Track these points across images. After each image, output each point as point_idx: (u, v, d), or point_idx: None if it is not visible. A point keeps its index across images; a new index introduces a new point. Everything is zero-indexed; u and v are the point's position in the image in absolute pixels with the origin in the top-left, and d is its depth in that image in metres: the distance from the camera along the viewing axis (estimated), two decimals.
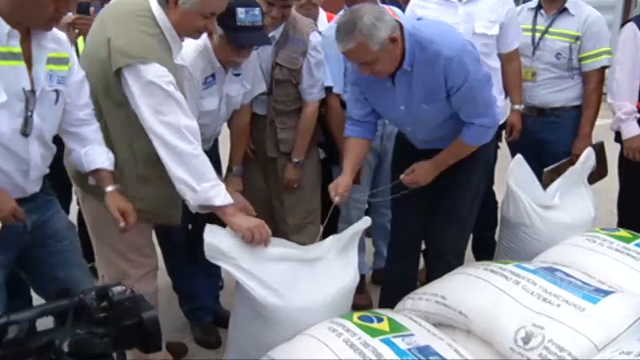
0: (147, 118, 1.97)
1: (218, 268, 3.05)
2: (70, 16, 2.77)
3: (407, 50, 2.18)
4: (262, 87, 2.68)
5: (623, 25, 3.00)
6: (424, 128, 2.42)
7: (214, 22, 2.14)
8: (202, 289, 2.91)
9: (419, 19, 2.59)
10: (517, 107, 3.12)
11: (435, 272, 2.61)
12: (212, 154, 2.66)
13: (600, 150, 3.09)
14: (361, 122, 2.49)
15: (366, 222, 2.29)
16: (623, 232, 2.54)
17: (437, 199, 2.54)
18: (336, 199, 2.35)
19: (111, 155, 2.07)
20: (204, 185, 2.00)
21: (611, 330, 1.82)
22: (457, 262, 2.65)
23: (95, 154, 2.03)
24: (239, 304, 2.22)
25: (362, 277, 3.07)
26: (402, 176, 2.44)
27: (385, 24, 2.08)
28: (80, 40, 2.83)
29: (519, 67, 3.07)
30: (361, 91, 2.44)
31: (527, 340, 1.85)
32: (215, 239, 1.99)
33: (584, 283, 2.06)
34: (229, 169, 2.79)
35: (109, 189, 2.04)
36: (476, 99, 2.24)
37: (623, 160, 3.03)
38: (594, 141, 3.13)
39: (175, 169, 1.99)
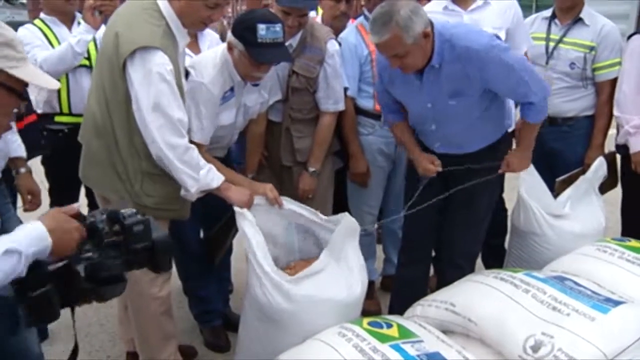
0: (142, 108, 2.03)
1: (228, 271, 3.14)
2: (92, 1, 2.82)
3: (435, 47, 2.21)
4: (278, 95, 2.69)
5: (630, 37, 2.97)
6: (449, 126, 2.44)
7: (220, 13, 2.18)
8: (212, 292, 2.91)
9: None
10: None
11: (447, 276, 2.61)
12: (226, 160, 2.68)
13: (611, 160, 3.08)
14: (398, 112, 2.59)
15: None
16: (634, 242, 2.53)
17: (452, 203, 2.53)
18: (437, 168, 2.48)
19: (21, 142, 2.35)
20: (201, 173, 2.15)
21: (621, 340, 1.82)
22: (469, 266, 2.66)
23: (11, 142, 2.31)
24: (248, 307, 2.24)
25: (372, 283, 3.09)
26: (500, 171, 2.52)
27: (420, 18, 2.13)
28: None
29: None
30: (390, 97, 2.52)
31: (536, 348, 1.85)
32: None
33: (594, 292, 2.05)
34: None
35: (22, 170, 2.42)
36: (523, 78, 2.26)
37: (626, 170, 3.01)
38: (605, 151, 3.12)
39: (173, 162, 2.08)
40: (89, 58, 2.94)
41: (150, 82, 2.00)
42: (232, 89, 2.45)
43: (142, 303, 2.30)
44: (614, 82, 3.03)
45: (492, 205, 2.66)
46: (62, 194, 2.94)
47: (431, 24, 2.20)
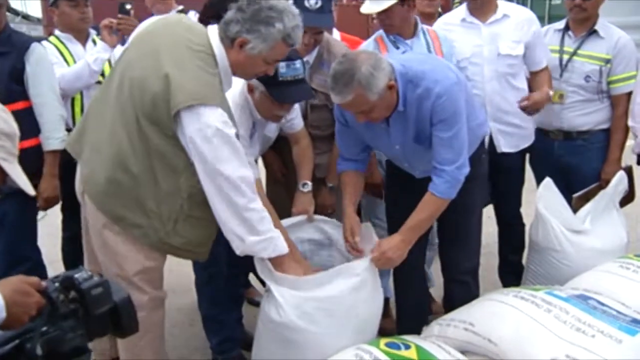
0: (201, 163, 1.91)
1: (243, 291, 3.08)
2: (109, 20, 2.82)
3: (400, 91, 2.12)
4: (298, 115, 2.63)
5: None
6: (421, 163, 2.34)
7: (273, 67, 2.10)
8: (235, 317, 2.82)
9: (403, 52, 2.53)
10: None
11: (455, 294, 2.60)
12: None
13: (628, 173, 3.02)
14: (353, 160, 2.41)
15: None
16: None
17: (442, 223, 2.47)
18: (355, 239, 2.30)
19: None
20: (251, 239, 2.00)
21: None
22: (473, 281, 2.63)
23: None
24: (263, 327, 2.19)
25: (387, 300, 3.03)
26: (370, 256, 2.22)
27: (383, 72, 2.03)
28: None
29: (550, 78, 3.00)
30: (352, 132, 2.35)
31: None
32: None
33: (619, 313, 1.99)
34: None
35: None
36: (452, 140, 2.14)
37: None
38: (622, 164, 3.06)
39: (225, 218, 1.97)
40: (102, 74, 2.93)
41: (208, 138, 1.87)
42: (254, 125, 2.43)
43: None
44: (630, 95, 2.97)
45: (481, 217, 2.61)
46: (74, 211, 2.92)
47: (392, 68, 2.09)
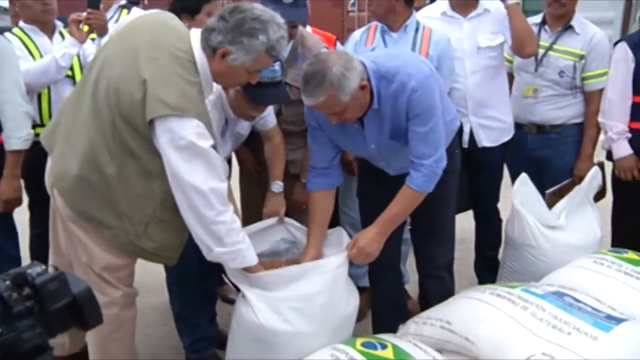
0: (172, 173, 1.87)
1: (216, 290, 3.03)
2: (78, 14, 2.71)
3: (373, 89, 2.07)
4: (270, 111, 2.59)
5: (616, 44, 2.95)
6: (397, 160, 2.32)
7: (256, 77, 2.03)
8: (208, 317, 2.78)
9: (372, 49, 2.49)
10: None
11: (430, 290, 2.60)
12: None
13: (600, 169, 3.03)
14: (326, 170, 2.32)
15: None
16: (631, 254, 2.48)
17: (417, 218, 2.45)
18: None
19: None
20: (218, 250, 1.97)
21: None
22: (449, 275, 2.62)
23: None
24: (238, 327, 2.16)
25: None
26: (346, 252, 2.20)
27: (354, 72, 1.98)
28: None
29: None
30: (325, 134, 2.28)
31: None
32: None
33: (595, 309, 1.99)
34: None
35: None
36: (428, 134, 2.12)
37: (615, 178, 2.98)
38: (595, 160, 3.07)
39: (194, 227, 1.94)
40: (71, 68, 2.84)
41: (181, 148, 1.83)
42: (226, 122, 2.39)
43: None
44: (603, 91, 2.99)
45: (454, 212, 2.61)
46: (42, 208, 2.84)
47: (364, 66, 2.05)
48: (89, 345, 2.20)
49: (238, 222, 2.00)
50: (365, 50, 2.63)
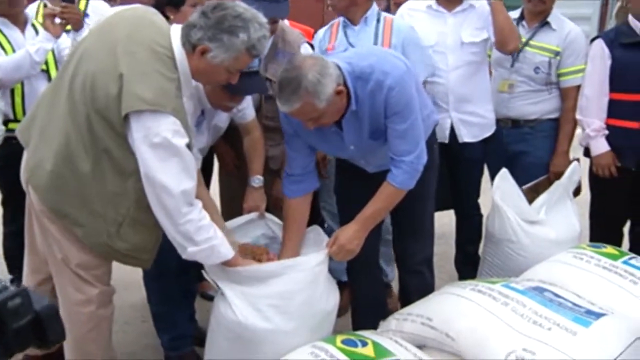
0: (144, 170, 1.83)
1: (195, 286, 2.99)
2: (52, 8, 2.65)
3: (350, 91, 2.04)
4: (250, 105, 2.57)
5: (592, 40, 2.97)
6: (377, 158, 2.30)
7: (237, 76, 1.99)
8: (187, 315, 2.74)
9: (345, 49, 2.46)
10: None
11: (410, 285, 2.59)
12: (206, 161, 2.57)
13: None
14: (303, 176, 2.29)
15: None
16: (610, 249, 2.50)
17: (397, 213, 2.42)
18: None
19: None
20: (190, 249, 1.94)
21: (604, 356, 1.77)
22: (428, 271, 2.62)
23: None
24: (217, 325, 2.13)
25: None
26: (326, 250, 2.18)
27: (330, 78, 1.95)
28: None
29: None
30: (301, 140, 2.25)
31: None
32: None
33: (574, 304, 2.00)
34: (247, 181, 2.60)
35: None
36: (407, 131, 2.10)
37: (592, 174, 3.00)
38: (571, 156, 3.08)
39: (166, 226, 1.91)
40: (46, 62, 2.77)
41: (155, 145, 1.79)
42: (202, 113, 2.34)
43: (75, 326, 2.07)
44: (579, 88, 2.99)
45: (433, 208, 2.60)
46: (17, 204, 2.77)
47: (339, 69, 2.01)
48: (65, 344, 2.15)
49: (207, 218, 1.96)
50: (338, 52, 2.59)
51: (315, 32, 3.03)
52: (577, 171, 2.86)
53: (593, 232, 3.08)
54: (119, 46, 1.84)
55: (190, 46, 1.87)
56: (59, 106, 1.93)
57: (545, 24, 3.02)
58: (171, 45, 1.88)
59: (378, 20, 2.68)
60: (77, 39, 2.79)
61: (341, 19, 2.76)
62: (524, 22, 3.08)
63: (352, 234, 2.17)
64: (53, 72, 2.82)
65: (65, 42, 2.82)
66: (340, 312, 2.40)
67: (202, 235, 1.94)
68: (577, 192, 3.05)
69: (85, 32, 2.66)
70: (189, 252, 1.95)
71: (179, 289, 2.61)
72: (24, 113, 2.75)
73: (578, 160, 3.04)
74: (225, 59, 1.87)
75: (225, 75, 1.94)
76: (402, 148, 2.12)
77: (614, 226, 3.07)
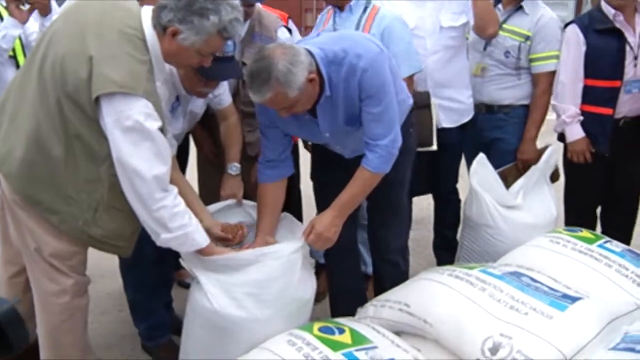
0: (116, 154, 1.79)
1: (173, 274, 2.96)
2: None
3: (324, 76, 2.01)
4: (227, 91, 2.53)
5: (566, 26, 2.95)
6: (353, 143, 2.28)
7: (209, 59, 1.95)
8: (163, 302, 2.71)
9: (318, 35, 2.42)
10: None
11: (384, 274, 2.58)
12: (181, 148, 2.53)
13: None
14: (278, 161, 2.27)
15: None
16: (585, 233, 2.52)
17: (372, 199, 2.40)
18: None
19: None
20: (164, 236, 1.91)
21: (579, 339, 1.76)
22: (403, 260, 2.61)
23: None
24: (193, 314, 2.10)
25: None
26: (303, 237, 2.17)
27: (301, 67, 1.92)
28: None
29: None
30: (277, 131, 2.24)
31: (494, 350, 1.78)
32: None
33: (551, 289, 2.00)
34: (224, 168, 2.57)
35: None
36: (382, 114, 2.07)
37: (566, 159, 3.01)
38: (540, 144, 3.04)
39: (139, 212, 1.88)
40: (13, 49, 2.72)
41: (127, 129, 1.75)
42: (177, 99, 2.29)
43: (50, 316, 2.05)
44: (550, 75, 2.97)
45: (409, 194, 2.60)
46: None
47: (312, 55, 1.98)
48: (39, 335, 2.12)
49: (182, 205, 1.93)
50: (309, 37, 2.56)
51: (290, 18, 2.98)
52: (554, 156, 2.87)
53: (567, 216, 3.10)
54: (88, 28, 1.80)
55: (160, 28, 1.84)
56: (29, 91, 1.88)
57: (519, 8, 2.99)
58: (142, 27, 1.84)
59: (365, 9, 2.64)
60: (46, 24, 2.73)
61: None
62: (499, 6, 3.05)
63: (329, 222, 2.15)
64: (21, 59, 2.77)
65: (33, 27, 2.75)
66: (319, 298, 2.39)
67: (176, 222, 1.90)
68: (555, 177, 3.06)
69: (53, 17, 2.60)
70: (162, 238, 1.92)
71: (155, 277, 2.58)
72: None
73: (547, 147, 3.04)
74: (196, 41, 1.84)
75: (197, 58, 1.91)
76: (377, 132, 2.10)
77: (588, 210, 3.09)
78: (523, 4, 2.98)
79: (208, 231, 2.10)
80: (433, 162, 2.99)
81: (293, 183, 2.87)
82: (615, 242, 2.43)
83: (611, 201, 3.07)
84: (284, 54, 1.92)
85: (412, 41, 2.66)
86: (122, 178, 1.83)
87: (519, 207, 2.76)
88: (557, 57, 2.95)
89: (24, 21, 2.63)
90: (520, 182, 2.82)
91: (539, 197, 2.83)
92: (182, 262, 2.08)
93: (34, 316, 2.06)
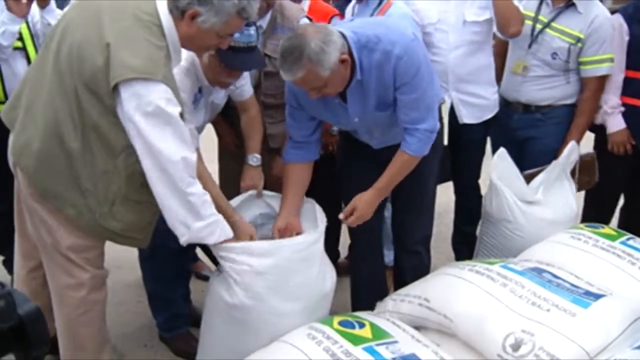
0: (140, 142, 1.77)
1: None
2: None
3: (355, 60, 2.01)
4: (248, 83, 2.51)
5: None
6: (381, 132, 2.28)
7: (228, 41, 1.95)
8: (182, 293, 2.72)
9: (352, 20, 2.42)
10: None
11: (406, 264, 2.58)
12: None
13: (591, 160, 2.94)
14: (304, 143, 2.28)
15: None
16: (607, 229, 2.48)
17: (398, 191, 2.39)
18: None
19: None
20: (197, 225, 1.88)
21: (603, 337, 1.75)
22: (425, 251, 2.61)
23: None
24: (213, 307, 2.10)
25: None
26: (341, 216, 2.24)
27: (333, 46, 1.92)
28: None
29: None
30: (304, 114, 2.25)
31: (516, 347, 1.76)
32: None
33: (573, 285, 1.98)
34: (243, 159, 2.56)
35: None
36: (418, 100, 2.08)
37: (598, 153, 2.95)
38: (584, 150, 2.93)
39: (168, 203, 1.83)
40: (21, 39, 2.68)
41: (149, 115, 1.73)
42: (200, 90, 2.29)
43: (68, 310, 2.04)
44: (601, 79, 2.80)
45: (435, 187, 2.59)
46: (2, 185, 2.70)
47: (344, 38, 1.98)
48: (58, 329, 2.13)
49: (208, 195, 1.92)
50: (345, 21, 2.56)
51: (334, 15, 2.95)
52: (575, 150, 2.82)
53: (586, 209, 3.05)
54: (104, 16, 1.79)
55: (178, 12, 1.82)
56: (45, 81, 1.86)
57: (571, 5, 2.76)
58: (157, 12, 1.82)
59: (381, 2, 2.64)
60: (45, 17, 2.72)
61: None
62: (548, 1, 2.85)
63: (370, 203, 2.22)
64: (30, 49, 2.74)
65: (37, 15, 2.73)
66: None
67: (208, 209, 1.89)
68: (593, 182, 2.97)
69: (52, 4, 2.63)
70: (194, 227, 1.88)
71: (175, 269, 2.59)
72: (5, 95, 2.66)
73: (593, 155, 2.96)
74: (215, 22, 1.82)
75: (216, 40, 1.89)
76: (415, 116, 2.12)
77: (611, 204, 3.05)
78: (575, 1, 2.76)
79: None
80: (454, 158, 2.96)
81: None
82: (638, 239, 2.40)
83: (635, 197, 3.02)
84: (317, 33, 1.92)
85: None
86: (151, 166, 1.79)
87: (539, 203, 2.72)
88: (611, 60, 2.77)
89: (23, 15, 2.56)
90: (540, 177, 2.78)
91: (559, 193, 2.79)
92: (202, 253, 2.07)
93: (52, 310, 2.06)
